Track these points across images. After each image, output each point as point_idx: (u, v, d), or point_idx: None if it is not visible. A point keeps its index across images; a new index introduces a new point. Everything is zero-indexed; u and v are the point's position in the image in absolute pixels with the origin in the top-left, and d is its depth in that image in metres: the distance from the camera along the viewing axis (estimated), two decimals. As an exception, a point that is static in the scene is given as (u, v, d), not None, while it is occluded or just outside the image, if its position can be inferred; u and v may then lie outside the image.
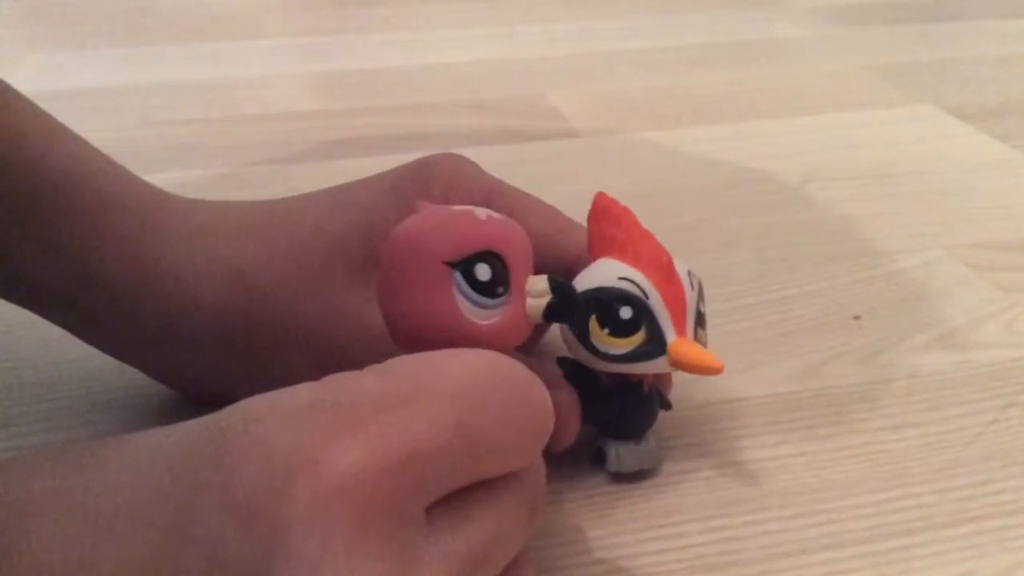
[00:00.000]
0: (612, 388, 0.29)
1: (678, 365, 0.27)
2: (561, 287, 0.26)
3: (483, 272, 0.24)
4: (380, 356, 0.28)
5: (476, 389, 0.21)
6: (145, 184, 0.32)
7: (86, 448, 0.21)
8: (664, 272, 0.28)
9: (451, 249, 0.24)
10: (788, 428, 0.32)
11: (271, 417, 0.20)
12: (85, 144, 0.31)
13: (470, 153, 0.32)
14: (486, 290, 0.24)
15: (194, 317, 0.29)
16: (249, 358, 0.30)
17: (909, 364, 0.36)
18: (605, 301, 0.27)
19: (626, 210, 0.29)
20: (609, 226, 0.28)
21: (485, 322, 0.24)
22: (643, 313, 0.27)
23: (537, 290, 0.25)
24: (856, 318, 0.38)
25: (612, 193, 0.29)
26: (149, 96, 0.62)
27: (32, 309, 0.31)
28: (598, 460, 0.30)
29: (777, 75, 0.68)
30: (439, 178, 0.31)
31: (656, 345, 0.27)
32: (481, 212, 0.25)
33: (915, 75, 0.67)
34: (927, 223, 0.46)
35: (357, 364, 0.29)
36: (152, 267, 0.29)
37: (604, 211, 0.29)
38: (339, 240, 0.30)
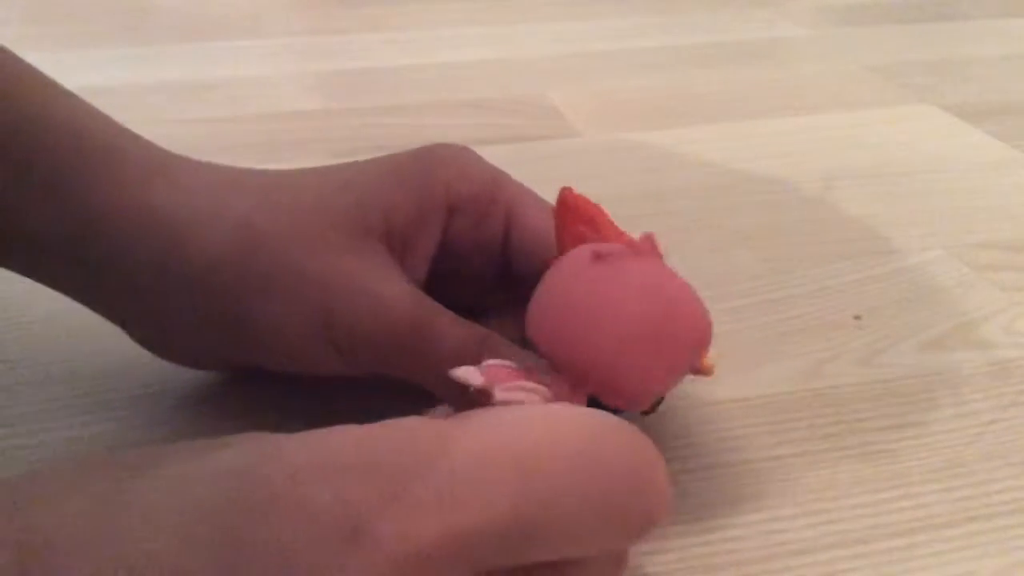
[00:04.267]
0: None
1: None
2: None
3: None
4: (366, 323, 0.28)
5: (556, 468, 0.19)
6: (148, 140, 0.32)
7: (111, 477, 0.20)
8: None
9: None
10: (788, 428, 0.32)
11: (315, 474, 0.19)
12: (84, 101, 0.32)
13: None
14: None
15: (189, 260, 0.29)
16: (236, 308, 0.30)
17: (909, 364, 0.36)
18: None
19: (599, 208, 0.28)
20: (582, 226, 0.28)
21: None
22: None
23: None
24: (856, 318, 0.38)
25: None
26: (149, 96, 0.62)
27: (28, 270, 0.31)
28: None
29: (777, 75, 0.68)
30: (443, 168, 0.31)
31: None
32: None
33: (915, 75, 0.67)
34: (927, 223, 0.46)
35: (342, 328, 0.29)
36: (154, 212, 0.29)
37: (574, 210, 0.28)
38: (339, 214, 0.30)
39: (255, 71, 0.68)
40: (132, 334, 0.32)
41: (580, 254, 0.25)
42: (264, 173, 0.32)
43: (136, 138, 0.32)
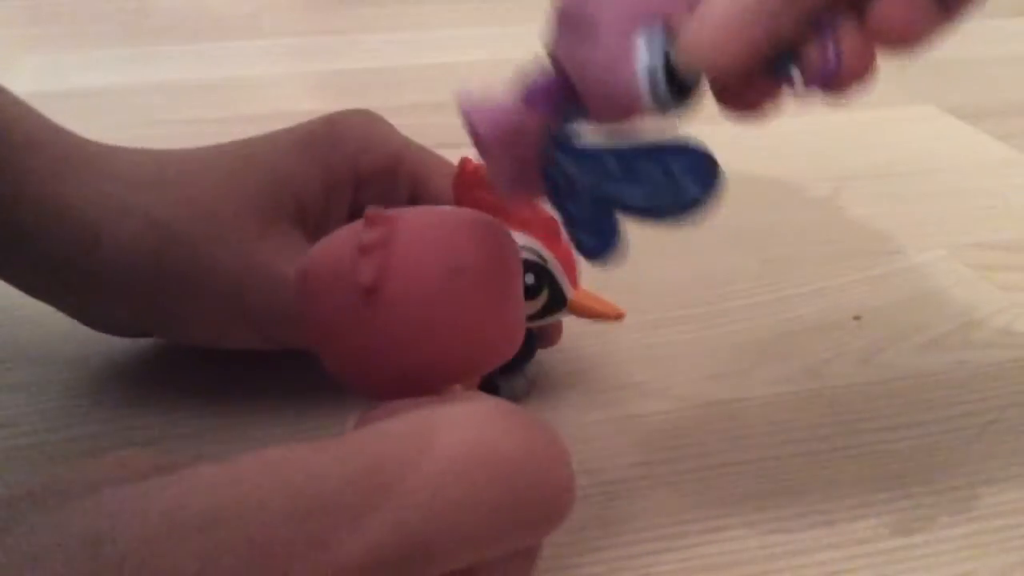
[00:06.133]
0: None
1: (580, 315, 0.31)
2: None
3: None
4: (280, 306, 0.29)
5: (464, 480, 0.18)
6: (63, 130, 0.32)
7: (97, 505, 0.18)
8: (553, 233, 0.30)
9: None
10: (788, 428, 0.32)
11: (254, 514, 0.18)
12: (10, 92, 0.32)
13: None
14: None
15: (103, 258, 0.30)
16: (156, 302, 0.31)
17: (909, 364, 0.36)
18: None
19: None
20: (485, 193, 0.29)
21: None
22: (543, 276, 0.30)
23: None
24: (856, 318, 0.38)
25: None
26: (149, 96, 0.62)
27: None
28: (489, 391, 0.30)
29: (777, 75, 0.67)
30: (350, 139, 0.32)
31: (559, 301, 0.31)
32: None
33: (915, 75, 0.67)
34: (927, 223, 0.46)
35: (259, 312, 0.30)
36: (64, 208, 0.30)
37: (475, 176, 0.30)
38: (250, 193, 0.31)
39: (255, 71, 0.68)
40: (53, 305, 0.33)
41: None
42: (180, 158, 0.32)
43: (58, 131, 0.32)
